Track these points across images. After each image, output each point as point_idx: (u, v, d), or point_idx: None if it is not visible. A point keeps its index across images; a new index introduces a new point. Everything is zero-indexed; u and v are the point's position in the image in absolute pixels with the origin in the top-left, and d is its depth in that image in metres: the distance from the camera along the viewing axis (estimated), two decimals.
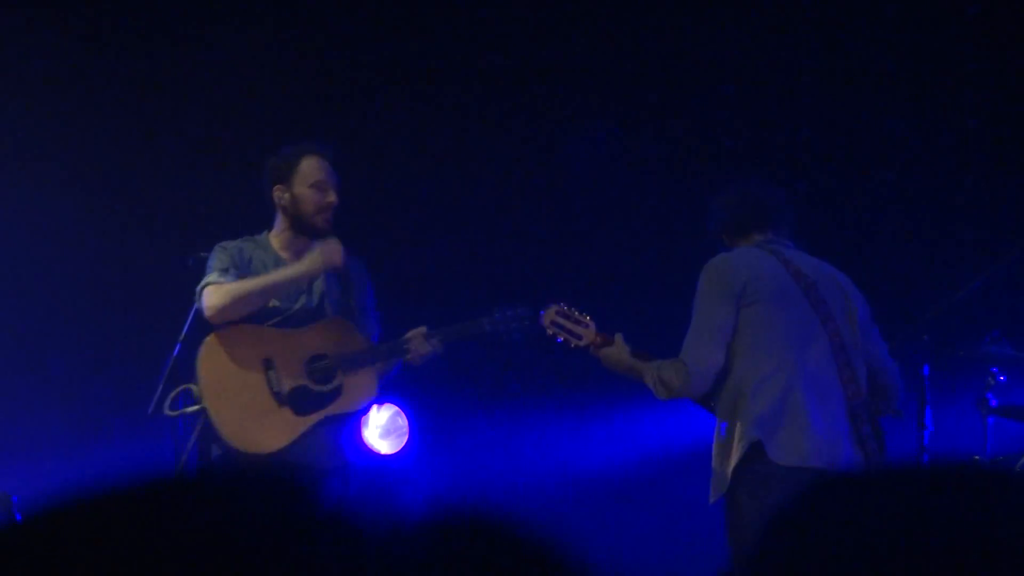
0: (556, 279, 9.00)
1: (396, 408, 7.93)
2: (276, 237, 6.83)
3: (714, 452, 5.87)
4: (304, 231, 6.74)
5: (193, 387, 6.49)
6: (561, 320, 6.22)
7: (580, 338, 6.18)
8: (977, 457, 7.35)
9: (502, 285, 8.69)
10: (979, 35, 8.50)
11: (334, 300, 6.77)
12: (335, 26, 9.13)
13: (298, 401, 6.55)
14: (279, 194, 6.78)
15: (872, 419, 5.98)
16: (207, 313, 6.51)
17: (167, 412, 6.70)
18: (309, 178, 6.70)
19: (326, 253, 6.53)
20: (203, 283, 6.59)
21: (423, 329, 6.77)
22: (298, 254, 6.68)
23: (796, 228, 6.30)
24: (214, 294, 6.50)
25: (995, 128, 8.70)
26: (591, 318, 6.22)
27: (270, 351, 6.57)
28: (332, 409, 6.61)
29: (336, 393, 6.62)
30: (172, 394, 7.68)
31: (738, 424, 5.77)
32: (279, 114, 9.09)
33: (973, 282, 7.37)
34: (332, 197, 6.70)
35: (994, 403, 7.38)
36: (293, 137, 8.48)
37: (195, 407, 6.45)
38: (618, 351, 6.08)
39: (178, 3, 9.04)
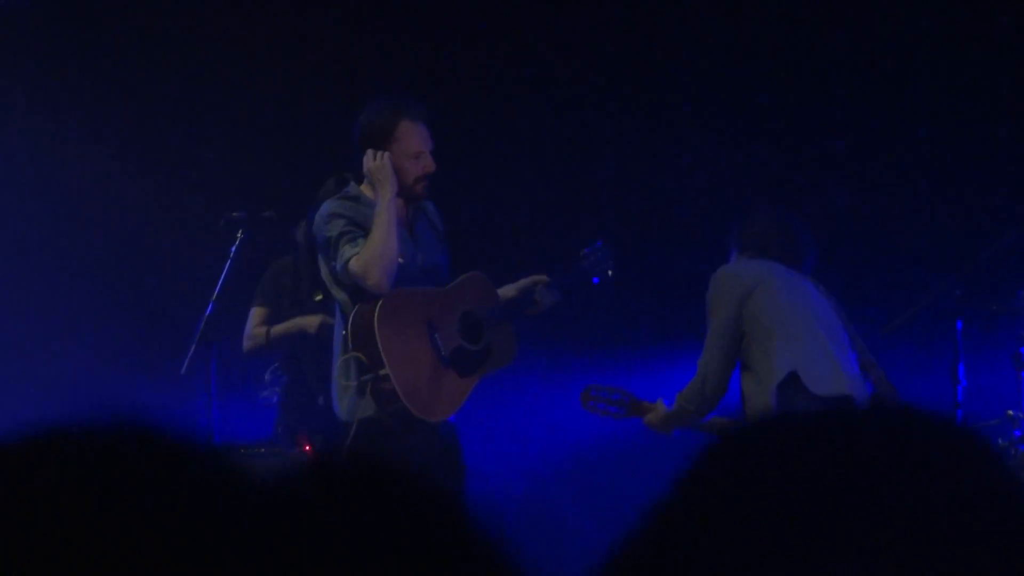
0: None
1: None
2: (350, 195, 6.52)
3: (746, 396, 6.05)
4: (399, 194, 6.39)
5: (359, 355, 6.23)
6: (596, 399, 6.38)
7: (622, 412, 6.36)
8: (1011, 412, 7.32)
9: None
10: None
11: (436, 249, 6.60)
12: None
13: (459, 362, 6.41)
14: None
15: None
16: (370, 284, 6.18)
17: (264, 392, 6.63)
18: (408, 148, 6.37)
19: (378, 172, 6.29)
20: (344, 258, 6.24)
21: (544, 278, 6.64)
22: (398, 212, 6.40)
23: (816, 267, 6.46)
24: (368, 264, 6.17)
25: None
26: (626, 389, 6.38)
27: (430, 313, 6.39)
28: (487, 367, 6.51)
29: (486, 350, 6.50)
30: (269, 372, 7.75)
31: (770, 363, 5.94)
32: (316, 74, 9.07)
33: (1007, 236, 7.36)
34: (431, 166, 6.41)
35: None
36: (329, 100, 8.54)
37: (368, 375, 6.21)
38: (657, 414, 6.29)
39: None
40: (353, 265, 6.18)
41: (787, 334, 6.01)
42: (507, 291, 6.64)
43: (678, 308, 8.06)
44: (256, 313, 7.75)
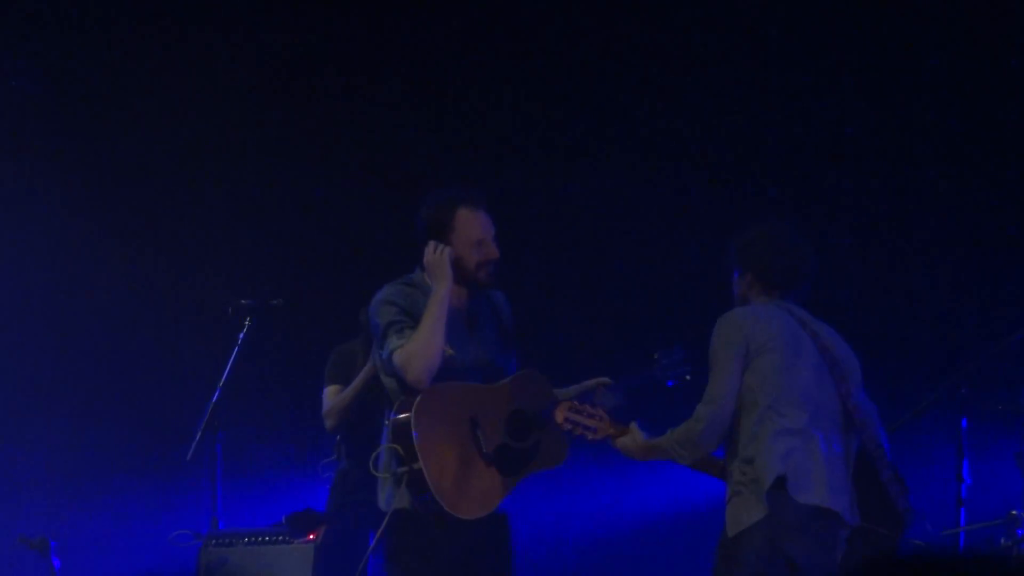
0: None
1: None
2: (406, 282, 6.40)
3: (732, 491, 5.94)
4: (464, 284, 6.33)
5: (397, 447, 6.10)
6: (573, 416, 6.26)
7: (595, 431, 6.25)
8: (1015, 512, 7.30)
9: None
10: None
11: (495, 343, 6.49)
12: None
13: (503, 460, 6.30)
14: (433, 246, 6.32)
15: (892, 463, 6.06)
16: (410, 379, 6.11)
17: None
18: (469, 236, 6.29)
19: (434, 266, 6.23)
20: (389, 349, 6.17)
21: (607, 380, 6.51)
22: (458, 302, 6.33)
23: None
24: (410, 358, 6.11)
25: None
26: (604, 411, 6.25)
27: (474, 408, 6.27)
28: (533, 467, 6.39)
29: (535, 450, 6.39)
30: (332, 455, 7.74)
31: (760, 462, 5.85)
32: (329, 161, 9.12)
33: (1012, 334, 7.36)
34: (494, 253, 6.32)
35: None
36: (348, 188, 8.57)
37: (403, 467, 6.10)
38: (632, 438, 6.18)
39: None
40: (397, 357, 6.11)
41: (784, 426, 5.88)
42: (566, 391, 6.52)
43: None
44: (331, 391, 7.70)
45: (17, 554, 7.88)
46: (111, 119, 9.14)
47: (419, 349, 6.10)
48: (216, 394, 7.32)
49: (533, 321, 7.50)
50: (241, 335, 7.42)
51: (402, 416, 6.13)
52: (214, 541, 7.38)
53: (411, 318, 6.19)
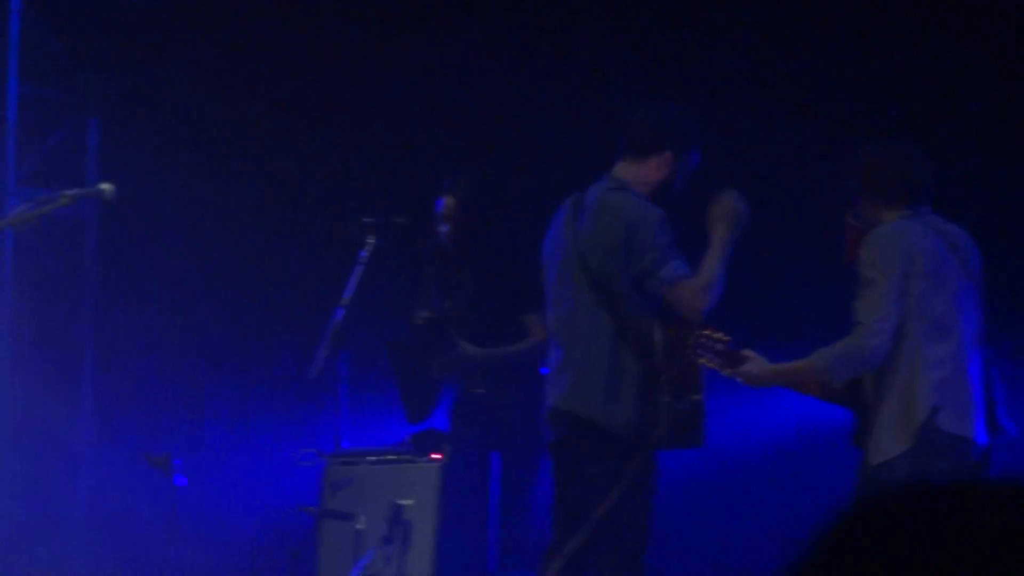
0: None
1: None
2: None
3: (881, 417, 5.80)
4: (643, 189, 6.24)
5: (671, 376, 6.03)
6: (701, 345, 6.07)
7: (720, 359, 6.06)
8: None
9: None
10: None
11: None
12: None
13: None
14: (667, 160, 6.25)
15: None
16: (694, 310, 6.03)
17: None
18: (694, 163, 6.31)
19: (728, 214, 6.17)
20: (674, 272, 6.06)
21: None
22: None
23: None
24: (702, 291, 6.03)
25: None
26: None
27: None
28: None
29: None
30: None
31: (912, 392, 5.73)
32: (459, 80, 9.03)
33: None
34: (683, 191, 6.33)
35: None
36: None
37: (675, 398, 6.02)
38: (758, 363, 6.00)
39: None
40: (685, 286, 6.02)
41: (937, 355, 5.77)
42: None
43: None
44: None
45: (141, 471, 7.93)
46: (236, 38, 9.11)
47: (711, 284, 6.03)
48: (339, 312, 7.29)
49: None
50: (364, 252, 7.37)
51: (681, 337, 6.02)
52: (338, 460, 7.37)
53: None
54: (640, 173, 6.22)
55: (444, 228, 7.30)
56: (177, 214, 9.06)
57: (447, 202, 7.27)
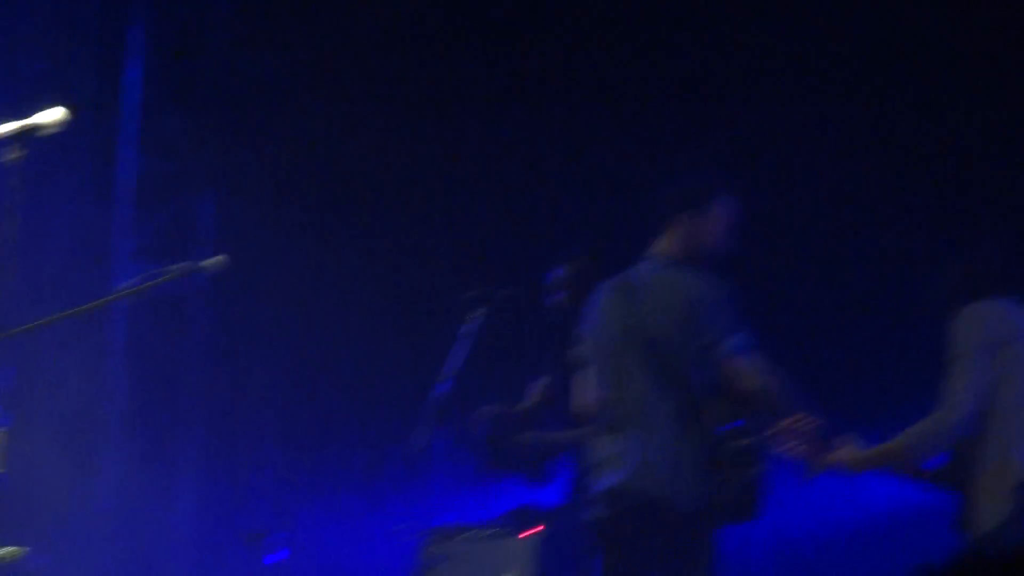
0: None
1: None
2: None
3: (980, 487, 5.85)
4: (690, 259, 6.35)
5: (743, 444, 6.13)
6: (785, 436, 6.15)
7: (812, 446, 6.13)
8: None
9: None
10: None
11: None
12: None
13: None
14: (687, 222, 6.36)
15: None
16: (749, 384, 6.07)
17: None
18: (727, 217, 6.38)
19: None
20: (744, 346, 6.14)
21: None
22: None
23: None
24: (766, 376, 6.08)
25: None
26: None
27: None
28: None
29: None
30: None
31: (1008, 457, 5.79)
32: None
33: None
34: (734, 245, 6.41)
35: None
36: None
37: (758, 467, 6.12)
38: (851, 451, 6.07)
39: None
40: (744, 365, 6.05)
41: None
42: None
43: None
44: None
45: (238, 548, 7.99)
46: (349, 113, 9.31)
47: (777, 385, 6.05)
48: (442, 386, 7.33)
49: None
50: (473, 326, 7.42)
51: (753, 409, 6.07)
52: (434, 536, 7.37)
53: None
54: (672, 244, 6.34)
55: (558, 296, 7.43)
56: (285, 288, 9.21)
57: (565, 269, 7.42)
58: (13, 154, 4.86)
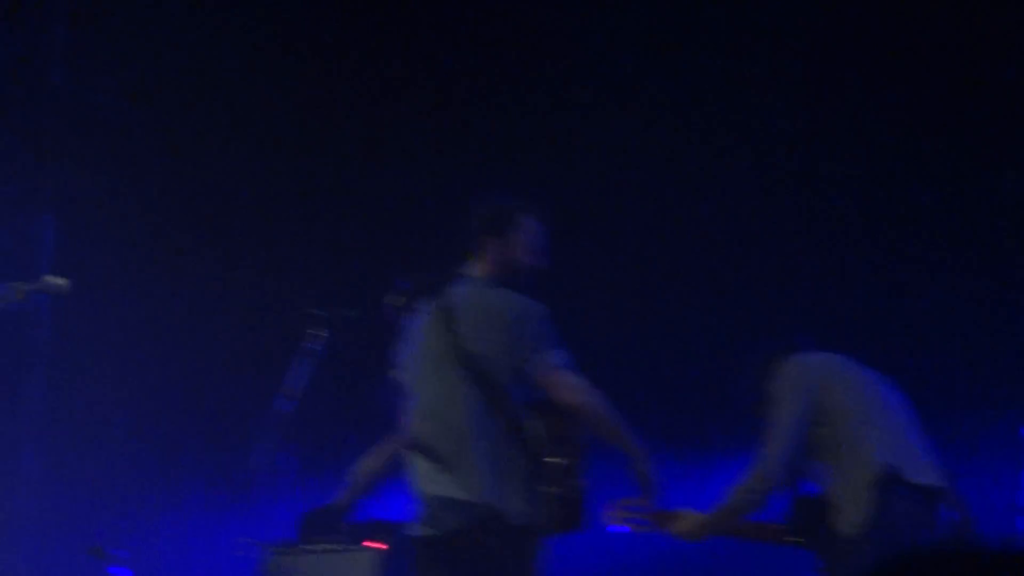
0: None
1: None
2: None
3: (836, 496, 6.11)
4: (503, 284, 6.47)
5: (560, 460, 6.18)
6: (627, 515, 6.38)
7: (649, 521, 6.38)
8: None
9: None
10: None
11: None
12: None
13: None
14: (491, 248, 6.50)
15: None
16: (568, 397, 6.18)
17: None
18: (529, 239, 6.52)
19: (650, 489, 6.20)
20: (560, 362, 6.25)
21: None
22: None
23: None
24: (590, 390, 6.20)
25: None
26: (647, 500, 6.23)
27: None
28: None
29: None
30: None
31: (860, 455, 6.10)
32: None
33: None
34: (544, 262, 6.54)
35: None
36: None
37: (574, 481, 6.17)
38: (690, 519, 6.35)
39: None
40: (562, 379, 6.18)
41: (875, 425, 6.11)
42: None
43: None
44: None
45: (81, 562, 7.96)
46: (191, 141, 9.35)
47: (598, 419, 6.18)
48: (285, 404, 7.36)
49: None
50: (314, 346, 7.43)
51: (568, 431, 6.20)
52: (278, 550, 7.42)
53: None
54: (485, 265, 6.47)
55: (397, 316, 7.51)
56: (128, 309, 9.21)
57: (403, 291, 7.50)
58: None
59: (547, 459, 6.17)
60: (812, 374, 6.24)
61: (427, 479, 6.33)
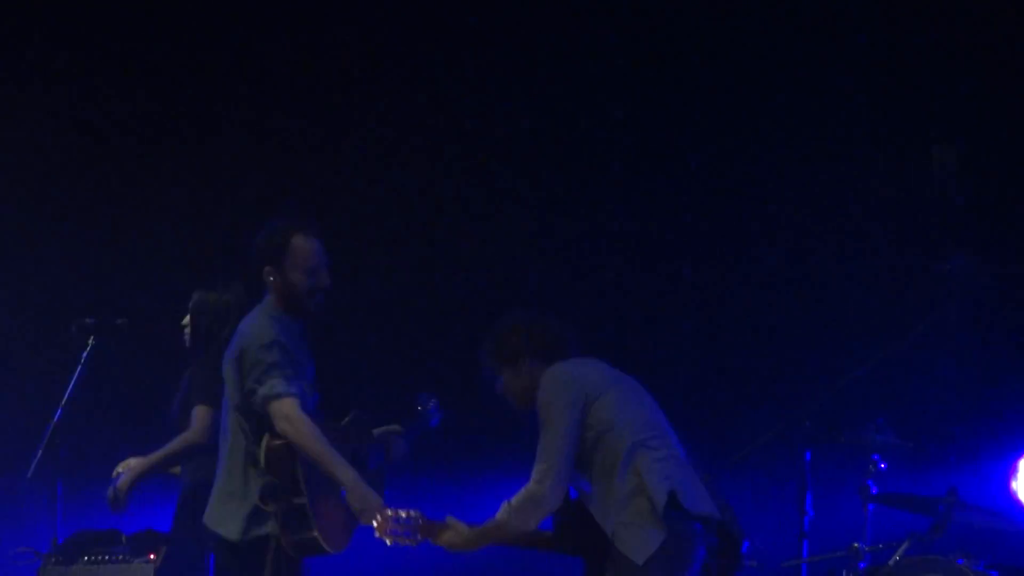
0: None
1: None
2: (275, 315, 6.49)
3: (620, 520, 5.95)
4: (295, 312, 6.46)
5: (274, 478, 6.22)
6: (392, 527, 6.25)
7: (415, 535, 6.24)
8: (857, 545, 7.39)
9: None
10: None
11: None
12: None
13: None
14: (270, 275, 6.46)
15: None
16: (282, 427, 6.20)
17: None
18: (302, 261, 6.44)
19: (365, 513, 6.29)
20: (274, 391, 6.26)
21: (398, 428, 6.84)
22: (300, 334, 6.50)
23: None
24: (300, 421, 6.21)
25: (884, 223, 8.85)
26: (417, 512, 6.24)
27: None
28: None
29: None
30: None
31: (642, 479, 5.94)
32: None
33: (857, 369, 7.48)
34: (325, 281, 6.46)
35: (875, 490, 7.45)
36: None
37: (279, 503, 6.22)
38: (456, 531, 6.21)
39: None
40: (281, 406, 6.20)
41: (651, 448, 5.93)
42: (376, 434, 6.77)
43: None
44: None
45: None
46: None
47: (311, 448, 6.21)
48: (58, 413, 7.29)
49: None
50: (84, 354, 7.39)
51: (281, 452, 6.23)
52: (54, 559, 7.33)
53: (294, 363, 6.32)
54: (271, 293, 6.47)
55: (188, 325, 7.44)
56: None
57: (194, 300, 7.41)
58: None
59: (270, 480, 6.24)
60: (582, 385, 6.04)
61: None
